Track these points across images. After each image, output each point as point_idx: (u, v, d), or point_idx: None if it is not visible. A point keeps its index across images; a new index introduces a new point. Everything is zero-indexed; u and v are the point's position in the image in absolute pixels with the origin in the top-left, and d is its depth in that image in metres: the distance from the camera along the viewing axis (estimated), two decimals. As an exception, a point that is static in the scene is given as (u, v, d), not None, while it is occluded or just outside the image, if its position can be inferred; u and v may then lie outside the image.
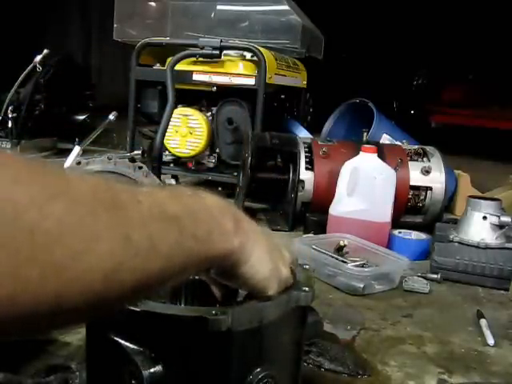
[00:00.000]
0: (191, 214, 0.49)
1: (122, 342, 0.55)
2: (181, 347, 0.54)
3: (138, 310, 0.53)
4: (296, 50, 2.73)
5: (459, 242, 1.56)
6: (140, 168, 1.30)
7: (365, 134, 2.42)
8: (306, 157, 1.90)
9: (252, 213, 2.06)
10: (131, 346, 0.55)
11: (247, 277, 0.56)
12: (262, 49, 2.34)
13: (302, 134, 2.51)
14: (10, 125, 3.09)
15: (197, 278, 0.64)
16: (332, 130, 2.72)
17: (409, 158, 1.90)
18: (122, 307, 0.48)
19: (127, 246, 0.40)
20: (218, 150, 2.42)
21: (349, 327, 1.13)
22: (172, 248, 0.45)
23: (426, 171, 1.86)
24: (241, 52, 2.41)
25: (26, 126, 3.22)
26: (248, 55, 2.41)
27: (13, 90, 3.07)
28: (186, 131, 2.38)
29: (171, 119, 2.16)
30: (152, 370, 0.53)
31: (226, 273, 0.56)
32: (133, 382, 0.53)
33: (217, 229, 0.51)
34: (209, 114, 2.43)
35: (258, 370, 0.58)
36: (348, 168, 1.69)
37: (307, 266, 0.72)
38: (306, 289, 0.63)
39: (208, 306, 0.61)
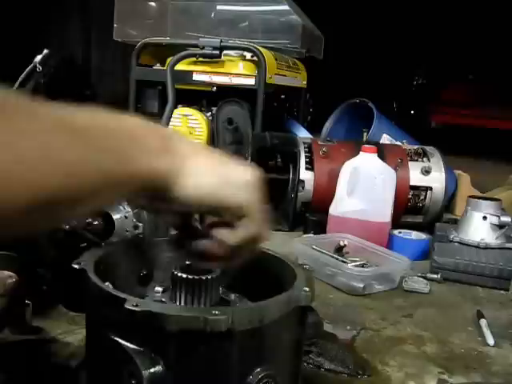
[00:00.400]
0: (105, 130, 0.46)
1: (122, 342, 0.55)
2: (181, 347, 0.54)
3: (138, 310, 0.53)
4: (296, 50, 2.73)
5: (459, 242, 1.56)
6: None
7: (365, 134, 2.42)
8: (305, 157, 1.90)
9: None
10: (131, 345, 0.55)
11: (190, 196, 0.51)
12: (262, 49, 2.34)
13: (302, 134, 2.51)
14: (9, 125, 3.09)
15: (196, 277, 0.64)
16: (332, 130, 2.71)
17: (409, 158, 1.90)
18: (26, 227, 0.43)
19: (11, 154, 0.37)
20: (217, 150, 2.42)
21: (349, 327, 1.13)
22: (74, 164, 0.42)
23: (426, 171, 1.86)
24: (241, 52, 2.41)
25: (26, 125, 3.22)
26: (248, 55, 2.41)
27: (13, 90, 3.07)
28: (185, 131, 2.38)
29: (171, 119, 2.17)
30: (152, 370, 0.53)
31: (166, 198, 0.52)
32: (132, 381, 0.53)
33: (137, 147, 0.48)
34: (209, 114, 2.43)
35: (258, 370, 0.58)
36: (348, 168, 1.68)
37: (307, 266, 0.72)
38: (306, 289, 0.63)
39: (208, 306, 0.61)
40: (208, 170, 0.53)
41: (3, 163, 0.37)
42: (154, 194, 0.52)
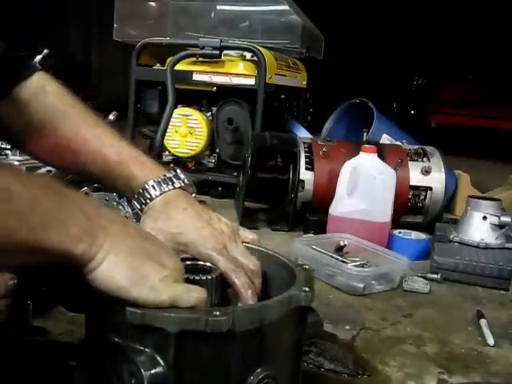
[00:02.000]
0: (33, 200, 0.49)
1: (123, 342, 0.55)
2: (181, 348, 0.54)
3: (138, 311, 0.53)
4: (296, 50, 2.73)
5: (459, 242, 1.56)
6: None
7: (365, 134, 2.42)
8: (305, 157, 1.90)
9: (251, 213, 2.07)
10: (131, 346, 0.55)
11: (98, 282, 0.54)
12: (262, 49, 2.34)
13: (302, 134, 2.51)
14: (10, 125, 3.08)
15: (196, 277, 0.64)
16: (332, 130, 2.71)
17: (409, 158, 1.90)
18: None
19: None
20: (218, 150, 2.42)
21: (349, 327, 1.13)
22: None
23: (426, 171, 1.86)
24: (241, 52, 2.41)
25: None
26: (248, 55, 2.41)
27: (13, 90, 3.06)
28: (185, 131, 2.38)
29: (171, 119, 2.17)
30: (153, 371, 0.53)
31: (80, 272, 0.55)
32: (133, 381, 0.53)
33: (60, 227, 0.51)
34: (209, 114, 2.43)
35: (259, 370, 0.58)
36: (348, 168, 1.68)
37: (307, 266, 0.72)
38: (306, 289, 0.63)
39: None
40: (124, 266, 0.55)
41: None
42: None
